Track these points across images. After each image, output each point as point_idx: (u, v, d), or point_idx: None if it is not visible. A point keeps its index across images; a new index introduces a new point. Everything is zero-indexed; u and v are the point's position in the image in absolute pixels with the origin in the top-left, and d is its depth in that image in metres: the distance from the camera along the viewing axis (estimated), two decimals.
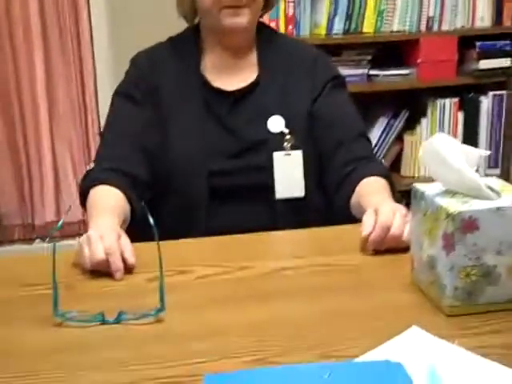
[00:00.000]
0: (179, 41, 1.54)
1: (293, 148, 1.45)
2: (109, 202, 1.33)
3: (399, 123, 2.71)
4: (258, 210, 1.43)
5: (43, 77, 2.84)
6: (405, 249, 1.17)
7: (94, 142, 2.86)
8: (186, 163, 1.43)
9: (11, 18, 2.76)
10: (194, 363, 0.87)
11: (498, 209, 0.95)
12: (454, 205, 0.96)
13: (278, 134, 1.46)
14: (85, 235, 1.14)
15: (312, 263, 1.18)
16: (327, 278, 1.12)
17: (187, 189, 1.42)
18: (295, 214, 1.43)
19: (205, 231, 1.38)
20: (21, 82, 2.82)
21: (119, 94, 1.51)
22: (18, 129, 2.87)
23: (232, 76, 1.50)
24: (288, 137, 1.45)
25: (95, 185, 1.37)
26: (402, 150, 2.73)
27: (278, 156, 1.44)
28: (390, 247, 1.18)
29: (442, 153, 0.98)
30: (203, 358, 0.88)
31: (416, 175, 2.69)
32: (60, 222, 1.08)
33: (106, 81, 2.83)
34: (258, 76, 1.50)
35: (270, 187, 1.44)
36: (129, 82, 1.50)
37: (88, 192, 1.37)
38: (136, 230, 1.37)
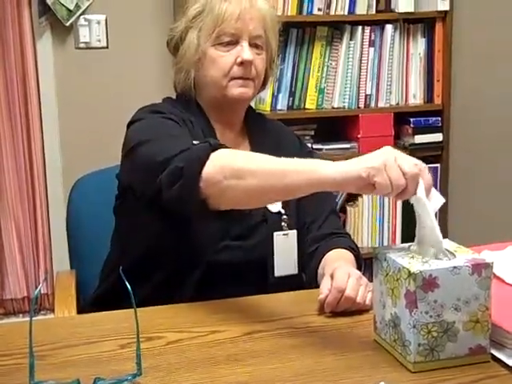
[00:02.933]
0: (187, 108, 1.51)
1: (289, 228, 1.50)
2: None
3: (342, 195, 2.82)
4: (252, 286, 1.44)
5: None
6: (362, 310, 1.24)
7: (41, 221, 2.84)
8: (184, 241, 1.41)
9: None
10: None
11: (455, 267, 1.03)
12: (414, 265, 1.03)
13: (276, 213, 1.50)
14: None
15: (278, 326, 1.22)
16: (293, 340, 1.17)
17: (183, 261, 1.41)
18: (284, 288, 1.45)
19: (195, 299, 1.37)
20: None
21: (157, 113, 1.44)
22: None
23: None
24: (285, 217, 1.50)
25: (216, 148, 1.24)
26: (345, 221, 2.83)
27: (277, 236, 1.48)
28: (346, 309, 1.25)
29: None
30: None
31: (359, 245, 2.76)
32: (36, 291, 1.09)
33: (56, 163, 2.85)
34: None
35: (266, 265, 1.47)
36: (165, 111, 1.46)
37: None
38: (110, 295, 1.39)
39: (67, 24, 2.79)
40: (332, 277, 1.28)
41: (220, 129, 1.52)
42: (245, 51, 1.46)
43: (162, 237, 1.41)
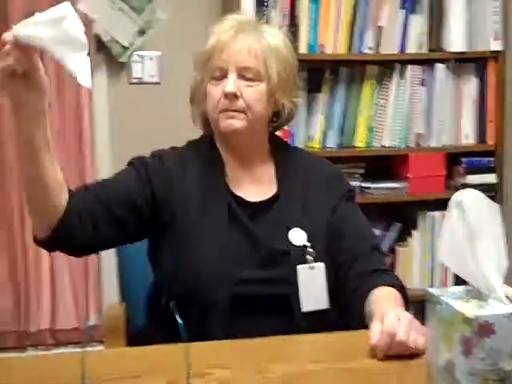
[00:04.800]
0: (200, 146, 1.57)
1: (315, 261, 1.48)
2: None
3: (392, 235, 2.79)
4: (279, 320, 1.44)
5: None
6: (414, 354, 1.21)
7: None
8: (208, 267, 1.43)
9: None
10: None
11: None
12: (470, 309, 1.01)
13: (299, 246, 1.48)
14: None
15: (328, 367, 1.20)
16: (345, 382, 1.15)
17: (208, 293, 1.42)
18: (315, 325, 1.44)
19: (224, 337, 1.38)
20: (22, 193, 2.86)
21: (130, 164, 1.54)
22: (17, 238, 2.88)
23: (252, 187, 1.54)
24: (310, 250, 1.48)
25: None
26: (394, 262, 2.79)
27: (301, 269, 1.47)
28: (398, 353, 1.22)
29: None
30: None
31: (409, 286, 2.72)
32: (90, 322, 1.09)
33: None
34: (277, 189, 1.54)
35: (291, 299, 1.46)
36: (143, 163, 1.52)
37: None
38: (158, 328, 1.39)
39: (122, 60, 2.85)
40: (382, 320, 1.26)
41: (231, 162, 1.54)
42: (227, 83, 1.47)
43: (176, 270, 1.44)
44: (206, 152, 1.56)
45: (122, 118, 2.91)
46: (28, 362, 1.31)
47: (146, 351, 1.29)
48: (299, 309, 1.46)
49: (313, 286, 1.47)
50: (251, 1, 2.57)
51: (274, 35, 1.53)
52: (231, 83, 1.46)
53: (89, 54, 1.22)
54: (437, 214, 2.77)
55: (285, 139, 2.55)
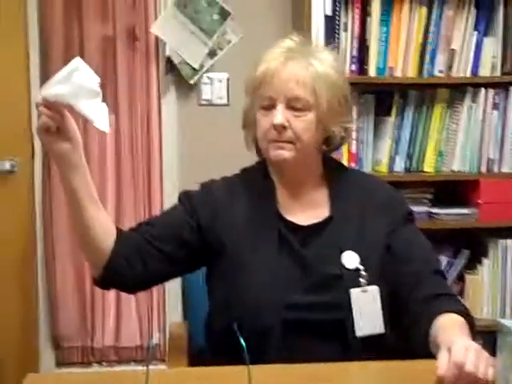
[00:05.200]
0: (252, 173, 1.60)
1: (369, 284, 1.47)
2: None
3: (460, 262, 2.71)
4: (332, 345, 1.43)
5: (114, 207, 2.93)
6: None
7: None
8: (260, 293, 1.44)
9: (88, 145, 2.89)
10: None
11: None
12: None
13: (352, 270, 1.47)
14: None
15: None
16: None
17: (260, 319, 1.43)
18: (369, 351, 1.42)
19: (277, 362, 1.38)
20: None
21: (181, 200, 1.57)
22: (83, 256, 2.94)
23: (304, 211, 1.54)
24: (363, 273, 1.47)
25: None
26: (462, 289, 2.71)
27: (355, 293, 1.45)
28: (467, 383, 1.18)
29: None
30: None
31: (478, 316, 2.65)
32: (154, 340, 1.10)
33: None
34: (330, 212, 1.54)
35: (345, 324, 1.44)
36: (192, 197, 1.56)
37: None
38: (216, 349, 1.39)
39: (192, 82, 2.90)
40: (449, 350, 1.22)
41: (283, 188, 1.55)
42: (276, 115, 1.46)
43: (227, 297, 1.46)
44: (259, 178, 1.57)
45: (190, 139, 2.94)
46: (92, 378, 1.33)
47: (207, 372, 1.29)
48: (353, 333, 1.44)
49: (367, 310, 1.45)
50: (322, 25, 2.57)
51: (323, 60, 1.51)
52: (279, 115, 1.46)
53: (103, 101, 1.37)
54: (509, 242, 2.69)
55: (352, 163, 2.60)
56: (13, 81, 2.83)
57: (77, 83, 1.31)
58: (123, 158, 2.93)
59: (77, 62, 1.34)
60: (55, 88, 1.31)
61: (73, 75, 1.32)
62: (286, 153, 1.48)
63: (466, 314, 1.42)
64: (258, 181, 1.57)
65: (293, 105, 1.47)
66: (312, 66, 1.49)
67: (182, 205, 1.55)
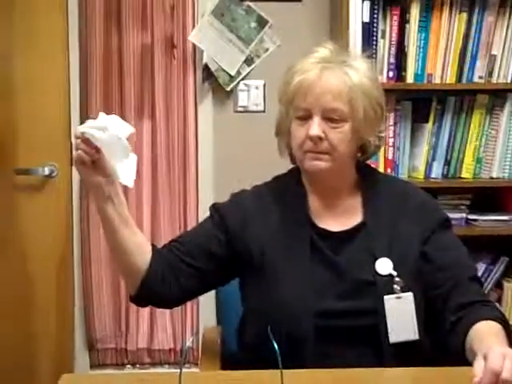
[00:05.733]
0: (284, 181, 1.60)
1: (402, 290, 1.46)
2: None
3: (498, 269, 2.68)
4: (365, 352, 1.42)
5: (149, 212, 2.97)
6: None
7: None
8: (293, 301, 1.44)
9: None
10: None
11: None
12: None
13: (386, 276, 1.46)
14: None
15: None
16: None
17: (294, 326, 1.43)
18: (403, 357, 1.41)
19: (309, 368, 1.37)
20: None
21: (211, 213, 1.59)
22: None
23: (336, 218, 1.54)
24: (397, 279, 1.46)
25: None
26: (501, 297, 2.67)
27: (388, 299, 1.45)
28: None
29: None
30: None
31: None
32: (187, 343, 1.11)
33: None
34: (363, 218, 1.53)
35: (379, 330, 1.44)
36: (224, 206, 1.57)
37: None
38: (249, 354, 1.39)
39: (228, 89, 2.91)
40: (486, 357, 1.20)
41: (316, 195, 1.55)
42: (312, 127, 1.46)
43: (260, 306, 1.47)
44: (290, 186, 1.57)
45: (226, 145, 2.95)
46: (125, 379, 1.34)
47: (239, 375, 1.29)
48: (387, 340, 1.43)
49: (401, 317, 1.44)
50: (359, 31, 2.57)
51: (358, 69, 1.50)
52: (316, 127, 1.46)
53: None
54: None
55: (388, 169, 2.58)
56: (53, 88, 2.88)
57: (112, 134, 1.37)
58: (159, 165, 2.95)
59: (115, 117, 1.40)
60: (92, 131, 1.36)
61: (110, 125, 1.37)
62: (322, 163, 1.48)
63: (503, 320, 1.40)
64: (289, 188, 1.57)
65: (329, 116, 1.47)
66: (347, 75, 1.48)
67: (211, 218, 1.57)
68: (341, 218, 1.54)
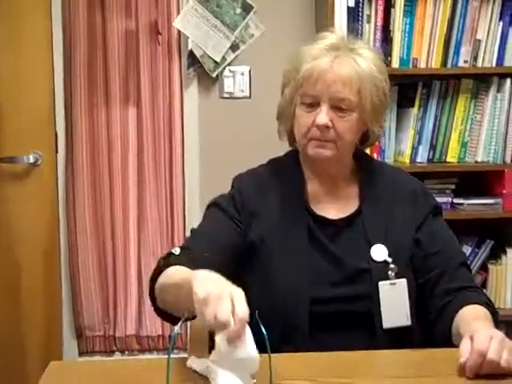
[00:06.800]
0: (281, 165, 1.59)
1: (397, 277, 1.46)
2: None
3: (483, 252, 2.70)
4: (359, 337, 1.43)
5: (135, 198, 2.97)
6: (507, 374, 1.16)
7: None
8: (288, 288, 1.44)
9: (111, 137, 2.94)
10: None
11: None
12: None
13: (381, 262, 1.47)
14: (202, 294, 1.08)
15: None
16: None
17: (288, 313, 1.43)
18: (396, 342, 1.41)
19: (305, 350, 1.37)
20: (115, 202, 2.96)
21: (216, 206, 1.54)
22: (107, 247, 2.97)
23: (333, 205, 1.54)
24: (392, 266, 1.47)
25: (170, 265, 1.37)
26: (486, 280, 2.70)
27: (383, 285, 1.45)
28: (489, 373, 1.17)
29: None
30: None
31: (502, 307, 2.65)
32: (177, 329, 1.11)
33: (194, 206, 2.95)
34: (359, 206, 1.53)
35: (373, 315, 1.44)
36: (228, 200, 1.54)
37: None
38: None
39: (214, 75, 2.91)
40: (472, 338, 1.21)
41: (314, 181, 1.55)
42: (320, 115, 1.45)
43: (256, 292, 1.43)
44: (288, 170, 1.57)
45: (212, 131, 2.95)
46: (114, 366, 1.34)
47: None
48: (381, 325, 1.44)
49: (394, 303, 1.45)
50: (344, 16, 2.56)
51: (367, 58, 1.49)
52: (324, 115, 1.45)
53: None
54: None
55: (374, 154, 2.59)
56: (37, 76, 2.85)
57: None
58: (146, 151, 2.95)
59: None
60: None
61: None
62: (327, 151, 1.48)
63: (489, 305, 1.42)
64: (287, 172, 1.57)
65: (337, 105, 1.46)
66: (357, 64, 1.46)
67: (222, 211, 1.52)
68: (338, 204, 1.54)
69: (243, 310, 1.06)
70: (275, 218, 1.51)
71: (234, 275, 1.52)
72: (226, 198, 1.56)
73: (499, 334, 1.22)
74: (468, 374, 1.18)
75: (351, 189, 1.56)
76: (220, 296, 1.06)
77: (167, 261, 1.40)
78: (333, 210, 1.54)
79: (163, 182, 2.97)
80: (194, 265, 1.32)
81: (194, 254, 1.41)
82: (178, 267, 1.35)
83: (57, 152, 2.92)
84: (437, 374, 1.22)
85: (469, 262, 2.60)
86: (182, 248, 1.46)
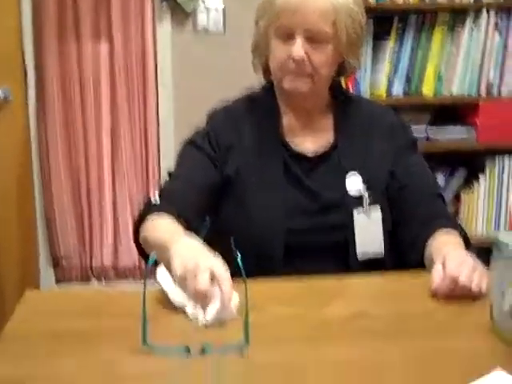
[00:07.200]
0: (256, 99, 1.57)
1: (371, 205, 1.48)
2: (177, 228, 1.34)
3: (457, 181, 2.73)
4: (334, 267, 1.44)
5: (109, 134, 2.95)
6: (476, 297, 1.19)
7: (153, 192, 2.93)
8: (264, 220, 1.45)
9: (82, 72, 2.89)
10: None
11: None
12: None
13: (356, 192, 1.48)
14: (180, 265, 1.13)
15: (386, 308, 1.19)
16: (402, 323, 1.14)
17: (264, 244, 1.44)
18: (370, 271, 1.43)
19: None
20: (88, 139, 2.94)
21: (191, 144, 1.54)
22: (82, 179, 2.97)
23: (309, 138, 1.54)
24: (366, 195, 1.48)
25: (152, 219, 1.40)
26: (458, 207, 2.74)
27: (358, 214, 1.47)
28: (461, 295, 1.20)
29: None
30: None
31: (474, 234, 2.69)
32: (152, 257, 1.11)
33: (169, 142, 2.93)
34: (335, 138, 1.53)
35: (347, 245, 1.46)
36: (203, 137, 1.53)
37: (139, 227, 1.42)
38: None
39: (189, 10, 2.84)
40: (444, 263, 1.23)
41: (289, 114, 1.54)
42: (295, 48, 1.43)
43: (232, 226, 1.47)
44: (263, 104, 1.55)
45: (185, 66, 2.91)
46: (89, 295, 1.35)
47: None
48: (355, 255, 1.46)
49: (369, 231, 1.46)
50: None
51: None
52: (299, 48, 1.42)
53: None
54: (506, 158, 2.70)
55: (350, 86, 2.57)
56: (5, 11, 2.78)
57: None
58: (118, 87, 2.90)
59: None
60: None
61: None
62: (303, 85, 1.46)
63: (461, 232, 1.44)
64: (262, 106, 1.55)
65: (312, 36, 1.43)
66: None
67: (198, 149, 1.51)
68: (313, 137, 1.54)
69: (226, 283, 1.10)
70: (250, 151, 1.50)
71: (213, 210, 1.55)
72: (201, 134, 1.54)
73: (471, 259, 1.24)
74: (440, 298, 1.20)
75: (326, 121, 1.55)
76: (197, 271, 1.10)
77: (148, 210, 1.43)
78: (308, 143, 1.53)
79: (137, 119, 2.94)
80: (175, 209, 1.39)
81: (172, 198, 1.44)
82: (159, 221, 1.38)
83: (27, 88, 2.87)
84: (411, 298, 1.24)
85: (442, 191, 2.67)
86: (160, 192, 1.47)
